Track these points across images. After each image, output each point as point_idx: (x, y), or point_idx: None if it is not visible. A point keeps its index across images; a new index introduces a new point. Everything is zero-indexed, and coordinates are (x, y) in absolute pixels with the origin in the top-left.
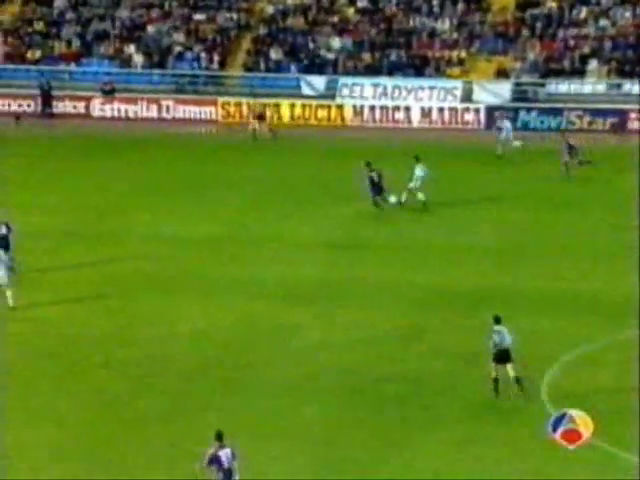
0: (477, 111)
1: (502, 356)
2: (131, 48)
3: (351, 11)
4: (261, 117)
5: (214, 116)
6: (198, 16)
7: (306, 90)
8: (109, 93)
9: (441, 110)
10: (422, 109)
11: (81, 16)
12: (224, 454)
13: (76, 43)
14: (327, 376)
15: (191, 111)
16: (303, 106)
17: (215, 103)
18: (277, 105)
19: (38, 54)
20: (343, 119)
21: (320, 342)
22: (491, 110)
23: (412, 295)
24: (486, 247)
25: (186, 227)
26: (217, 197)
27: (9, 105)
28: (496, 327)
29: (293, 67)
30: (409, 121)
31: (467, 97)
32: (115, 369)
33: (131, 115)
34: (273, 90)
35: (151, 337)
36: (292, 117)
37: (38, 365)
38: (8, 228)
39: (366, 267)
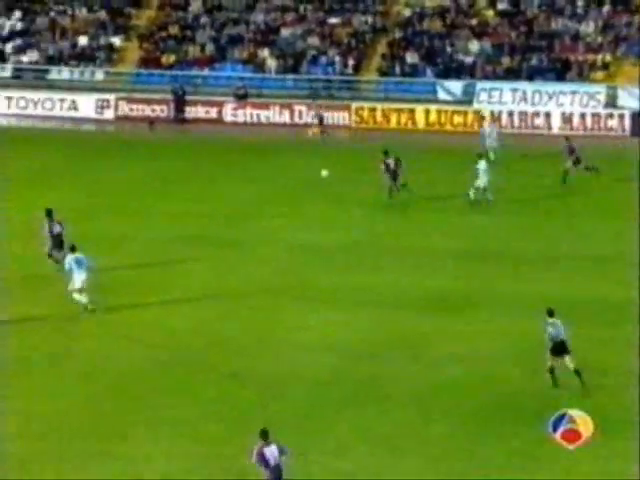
0: (622, 117)
1: (559, 348)
2: (265, 52)
3: (491, 13)
4: (321, 121)
5: (347, 121)
6: (333, 20)
7: (442, 95)
8: (242, 98)
9: (583, 116)
10: (563, 115)
11: (215, 20)
12: (269, 451)
13: (210, 47)
14: (460, 389)
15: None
16: (438, 112)
17: (349, 108)
18: (412, 111)
19: (172, 59)
20: (481, 125)
21: (451, 354)
22: (637, 116)
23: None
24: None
25: (316, 234)
26: (346, 204)
27: (143, 110)
28: (550, 320)
29: (429, 71)
30: (549, 127)
31: (611, 102)
32: (244, 378)
33: (263, 120)
34: (408, 95)
35: (281, 346)
36: (427, 123)
37: (169, 374)
38: (61, 226)
39: (498, 277)
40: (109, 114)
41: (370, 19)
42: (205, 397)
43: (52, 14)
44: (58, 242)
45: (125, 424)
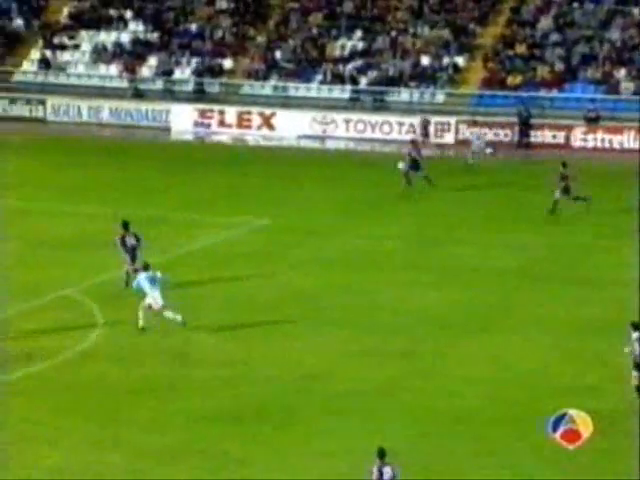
0: None
1: None
2: (621, 72)
3: None
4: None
5: None
6: None
7: None
8: (593, 121)
9: None
10: None
11: (567, 38)
12: (386, 472)
13: (559, 67)
14: None
15: None
16: None
17: None
18: None
19: (519, 79)
20: None
21: None
22: None
23: None
24: None
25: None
26: None
27: (485, 134)
28: (635, 334)
29: None
30: None
31: None
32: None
33: (616, 146)
34: None
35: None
36: None
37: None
38: (137, 239)
39: None
40: (449, 138)
41: None
42: None
43: (393, 33)
44: (132, 256)
45: None
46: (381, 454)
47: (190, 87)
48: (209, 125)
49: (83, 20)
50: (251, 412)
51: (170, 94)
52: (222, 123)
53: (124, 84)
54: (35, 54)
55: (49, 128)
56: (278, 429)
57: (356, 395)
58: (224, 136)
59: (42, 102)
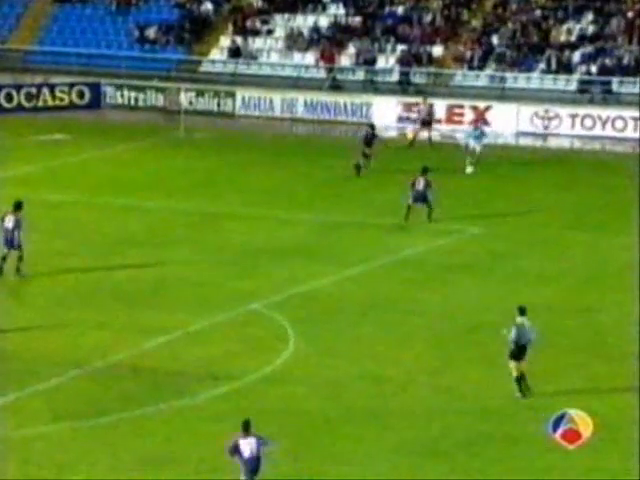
0: None
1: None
2: None
3: None
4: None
5: None
6: None
7: None
8: None
9: None
10: None
11: None
12: (245, 443)
13: None
14: None
15: None
16: None
17: None
18: None
19: None
20: None
21: None
22: None
23: None
24: None
25: None
26: None
27: None
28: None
29: None
30: None
31: None
32: None
33: None
34: None
35: None
36: None
37: None
38: None
39: None
40: None
41: None
42: None
43: (630, 14)
44: None
45: None
46: (245, 426)
47: (394, 77)
48: (415, 120)
49: (277, 3)
50: (460, 445)
51: (372, 85)
52: None
53: (321, 74)
54: (225, 41)
55: (238, 123)
56: (489, 464)
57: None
58: (432, 132)
59: (231, 94)
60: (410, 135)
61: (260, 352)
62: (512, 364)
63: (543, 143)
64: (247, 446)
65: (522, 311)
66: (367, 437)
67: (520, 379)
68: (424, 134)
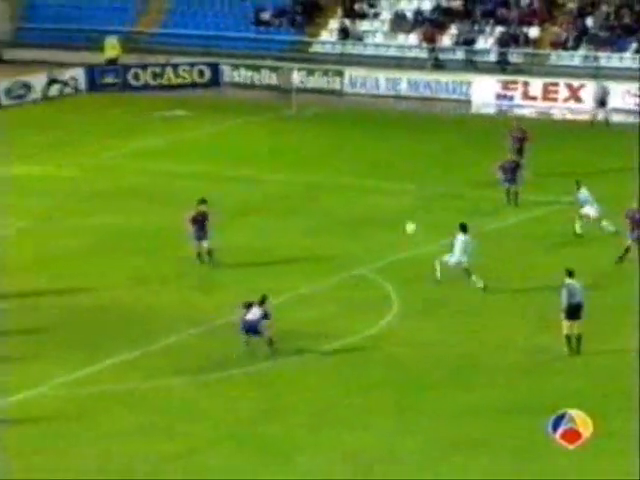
0: None
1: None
2: None
3: None
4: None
5: None
6: None
7: None
8: None
9: None
10: None
11: None
12: (254, 311)
13: None
14: None
15: None
16: None
17: None
18: None
19: None
20: None
21: None
22: None
23: None
24: None
25: None
26: None
27: None
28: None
29: None
30: None
31: None
32: None
33: None
34: None
35: None
36: None
37: None
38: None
39: None
40: None
41: None
42: None
43: None
44: None
45: None
46: (263, 299)
47: (493, 57)
48: (512, 97)
49: None
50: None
51: (471, 65)
52: (526, 95)
53: (423, 54)
54: (334, 24)
55: (345, 100)
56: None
57: None
58: (528, 109)
59: (339, 73)
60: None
61: (365, 314)
62: (565, 323)
63: (635, 120)
64: (253, 313)
65: (570, 274)
66: (463, 396)
67: (569, 338)
68: (600, 115)
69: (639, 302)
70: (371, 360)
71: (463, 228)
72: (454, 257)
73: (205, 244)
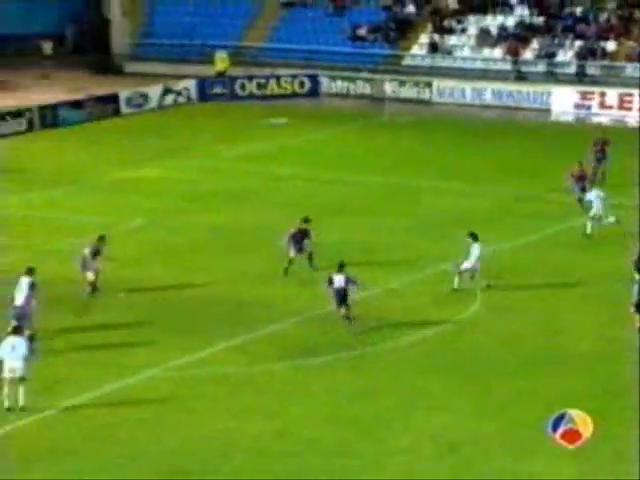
0: None
1: None
2: None
3: None
4: None
5: None
6: None
7: None
8: None
9: None
10: None
11: None
12: (338, 279)
13: None
14: None
15: None
16: None
17: None
18: None
19: None
20: None
21: None
22: None
23: None
24: None
25: None
26: None
27: None
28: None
29: None
30: None
31: None
32: None
33: None
34: None
35: None
36: None
37: None
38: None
39: None
40: None
41: None
42: None
43: None
44: None
45: None
46: (340, 266)
47: (572, 69)
48: (589, 107)
49: (471, 5)
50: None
51: (552, 76)
52: (602, 105)
53: (507, 67)
54: (424, 38)
55: (434, 109)
56: None
57: None
58: (604, 117)
59: (429, 84)
60: None
61: (450, 306)
62: (637, 316)
63: None
64: (338, 280)
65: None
66: (542, 381)
67: None
68: None
69: None
70: (456, 348)
71: (475, 237)
72: (469, 263)
73: (300, 255)
